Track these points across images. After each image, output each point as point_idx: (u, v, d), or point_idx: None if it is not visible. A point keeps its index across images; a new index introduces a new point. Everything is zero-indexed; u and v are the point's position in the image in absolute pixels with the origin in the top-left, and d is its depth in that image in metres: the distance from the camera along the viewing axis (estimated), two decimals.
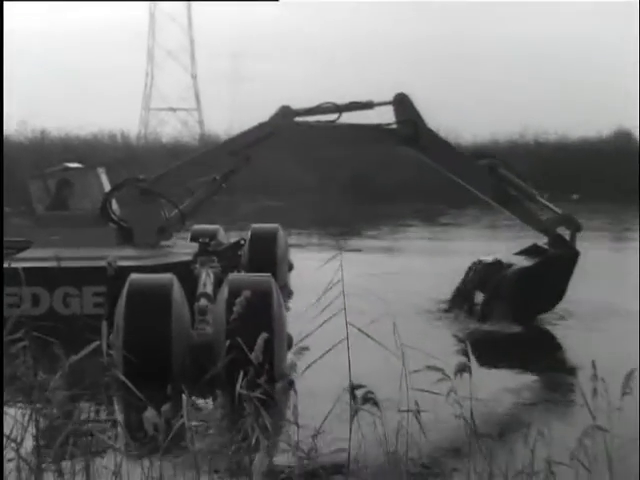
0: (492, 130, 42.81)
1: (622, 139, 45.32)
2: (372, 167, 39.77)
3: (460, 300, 14.11)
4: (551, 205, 14.08)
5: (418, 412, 5.78)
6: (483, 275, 14.05)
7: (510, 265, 13.90)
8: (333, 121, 13.98)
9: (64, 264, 11.80)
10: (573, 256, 13.67)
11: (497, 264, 14.07)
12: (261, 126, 14.10)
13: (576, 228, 13.85)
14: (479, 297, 13.90)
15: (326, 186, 38.40)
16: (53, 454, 5.34)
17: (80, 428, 5.57)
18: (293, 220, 27.01)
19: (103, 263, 11.30)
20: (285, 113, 14.03)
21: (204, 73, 72.32)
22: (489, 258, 14.40)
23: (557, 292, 13.61)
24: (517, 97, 59.98)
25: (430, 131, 14.03)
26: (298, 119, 14.15)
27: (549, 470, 5.57)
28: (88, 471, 5.49)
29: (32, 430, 5.35)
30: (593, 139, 45.11)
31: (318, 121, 14.16)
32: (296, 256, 18.02)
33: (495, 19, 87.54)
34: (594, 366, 5.74)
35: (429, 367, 5.52)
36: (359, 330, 5.84)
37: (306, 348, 9.31)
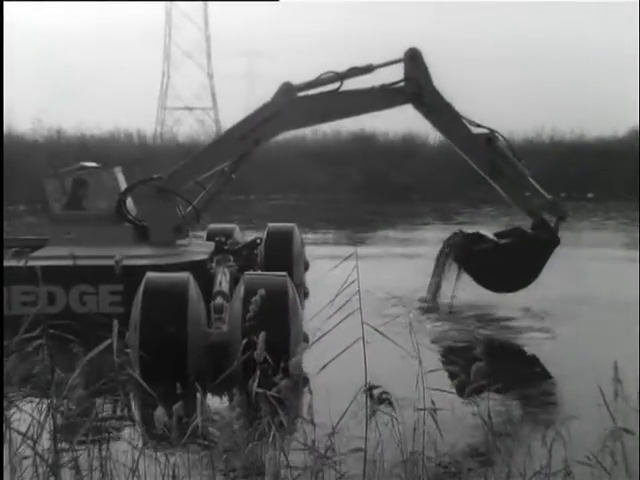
0: (508, 129, 42.62)
1: (637, 138, 45.12)
2: (386, 166, 39.76)
3: (440, 259, 14.41)
4: (540, 188, 14.05)
5: (434, 411, 5.79)
6: (459, 244, 14.28)
7: (487, 240, 14.17)
8: (336, 90, 13.98)
9: (80, 262, 11.83)
10: (552, 242, 13.80)
11: (474, 236, 14.33)
12: (266, 106, 14.09)
13: (562, 215, 13.96)
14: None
15: (340, 185, 38.37)
16: (70, 451, 5.36)
17: (98, 425, 5.59)
18: (308, 220, 27.00)
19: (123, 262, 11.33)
20: (287, 89, 14.00)
21: (220, 72, 72.36)
22: (470, 230, 14.72)
23: (528, 274, 13.74)
24: (533, 96, 59.82)
25: (435, 91, 13.94)
26: (301, 94, 14.13)
27: (567, 470, 5.56)
28: (105, 468, 5.51)
29: (49, 427, 5.36)
30: (609, 138, 44.98)
31: (321, 92, 14.12)
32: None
33: (509, 19, 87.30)
34: (616, 368, 5.72)
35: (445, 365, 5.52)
36: (374, 329, 5.84)
37: (308, 346, 9.32)
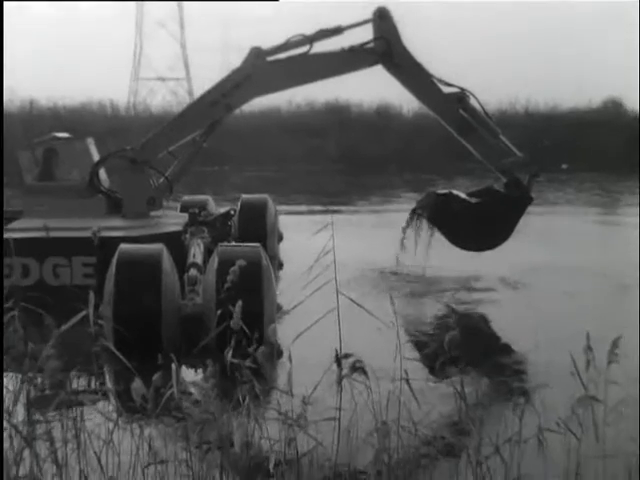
0: (482, 99, 42.57)
1: (612, 109, 45.34)
2: (361, 137, 39.73)
3: (412, 220, 14.42)
4: (512, 146, 14.04)
5: (407, 381, 5.84)
6: (432, 204, 14.35)
7: (460, 199, 14.25)
8: (306, 53, 13.90)
9: (53, 234, 11.76)
10: (524, 201, 13.89)
11: (447, 196, 14.39)
12: (236, 71, 14.02)
13: (534, 173, 13.98)
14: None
15: (315, 157, 38.30)
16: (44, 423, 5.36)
17: (71, 398, 5.59)
18: (283, 191, 26.96)
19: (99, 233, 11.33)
20: (257, 54, 13.92)
21: (193, 42, 71.82)
22: (443, 190, 14.82)
23: (501, 233, 13.87)
24: (508, 68, 59.81)
25: (405, 50, 13.92)
26: (271, 58, 14.01)
27: (539, 437, 5.64)
28: (79, 440, 5.51)
29: (23, 399, 5.36)
30: (583, 109, 45.11)
31: (291, 56, 14.03)
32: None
33: None
34: (588, 337, 5.78)
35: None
36: (351, 300, 5.87)
37: (286, 312, 9.38)
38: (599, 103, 45.95)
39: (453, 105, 13.85)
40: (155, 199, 14.29)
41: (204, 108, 14.18)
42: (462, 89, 13.94)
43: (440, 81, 13.97)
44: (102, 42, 77.32)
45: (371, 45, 13.95)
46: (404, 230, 14.36)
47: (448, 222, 14.07)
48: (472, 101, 14.00)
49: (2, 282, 9.88)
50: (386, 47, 13.78)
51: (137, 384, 5.06)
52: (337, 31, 13.90)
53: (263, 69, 13.92)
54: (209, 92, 14.25)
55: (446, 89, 14.02)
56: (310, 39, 13.82)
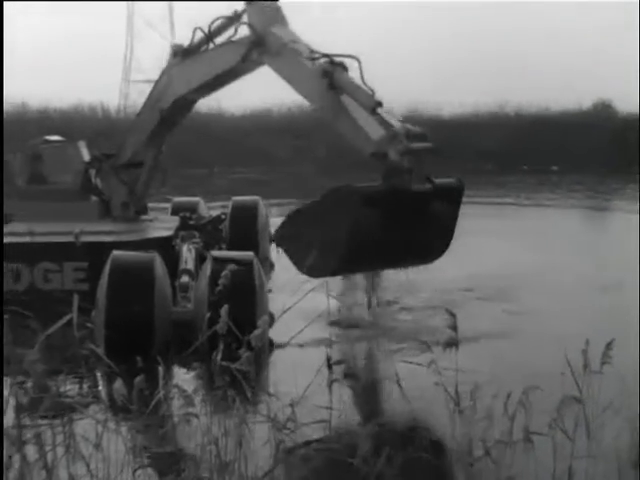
0: (473, 101, 42.78)
1: (602, 111, 45.40)
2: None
3: None
4: (392, 118, 9.39)
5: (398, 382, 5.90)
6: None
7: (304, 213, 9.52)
8: (204, 51, 12.34)
9: (44, 239, 11.73)
10: (428, 194, 9.30)
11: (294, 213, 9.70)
12: (161, 73, 13.29)
13: (406, 150, 9.15)
14: None
15: (302, 158, 38.27)
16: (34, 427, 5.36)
17: (61, 401, 5.59)
18: (272, 192, 26.95)
19: (87, 238, 11.30)
20: (175, 52, 12.86)
21: (184, 43, 71.56)
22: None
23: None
24: (498, 69, 59.82)
25: (275, 36, 10.71)
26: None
27: (527, 439, 5.67)
28: (69, 443, 5.51)
29: (13, 403, 5.36)
30: (573, 111, 45.14)
31: (194, 55, 12.52)
32: None
33: None
34: (587, 343, 5.82)
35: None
36: (335, 298, 5.92)
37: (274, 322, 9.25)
38: (588, 105, 46.04)
39: (317, 81, 9.90)
40: (128, 204, 13.99)
41: (147, 112, 13.60)
42: (330, 57, 9.97)
43: (325, 55, 10.10)
44: (92, 44, 77.02)
45: (246, 35, 11.29)
46: None
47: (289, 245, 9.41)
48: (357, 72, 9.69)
49: (2, 283, 9.92)
50: (255, 36, 11.00)
51: (118, 384, 5.10)
52: (235, 18, 11.62)
53: (176, 70, 12.86)
54: (149, 96, 13.75)
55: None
56: (208, 37, 12.03)
